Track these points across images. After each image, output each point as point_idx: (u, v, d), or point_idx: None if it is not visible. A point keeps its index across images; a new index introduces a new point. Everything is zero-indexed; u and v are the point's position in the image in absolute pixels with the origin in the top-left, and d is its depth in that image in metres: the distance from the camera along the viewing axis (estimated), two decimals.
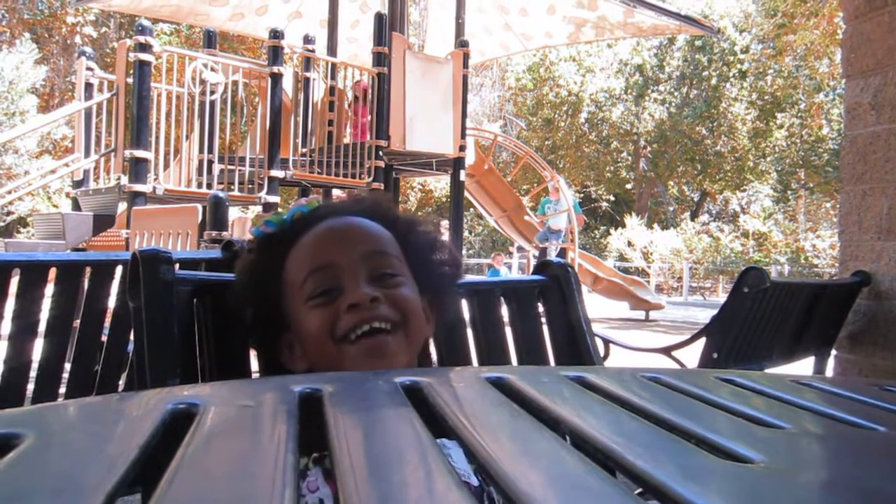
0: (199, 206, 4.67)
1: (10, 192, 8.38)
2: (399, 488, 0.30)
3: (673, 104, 26.82)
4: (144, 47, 5.91)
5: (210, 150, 6.46)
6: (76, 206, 6.72)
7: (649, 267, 21.96)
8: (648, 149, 27.79)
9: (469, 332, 1.20)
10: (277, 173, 6.66)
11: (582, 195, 27.09)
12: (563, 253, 10.48)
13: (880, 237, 3.04)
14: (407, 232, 0.93)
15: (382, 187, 7.39)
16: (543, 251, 10.55)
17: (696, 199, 30.65)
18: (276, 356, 0.88)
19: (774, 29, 22.81)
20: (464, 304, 1.18)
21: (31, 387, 1.98)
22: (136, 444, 0.33)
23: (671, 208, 30.69)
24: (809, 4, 19.84)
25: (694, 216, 28.69)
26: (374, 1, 9.80)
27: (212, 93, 6.48)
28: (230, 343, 0.94)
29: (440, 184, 23.53)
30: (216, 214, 4.40)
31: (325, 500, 0.72)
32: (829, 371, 3.22)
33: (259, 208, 6.86)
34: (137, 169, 5.93)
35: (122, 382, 2.14)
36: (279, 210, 0.94)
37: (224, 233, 4.36)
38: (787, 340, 2.99)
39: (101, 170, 6.78)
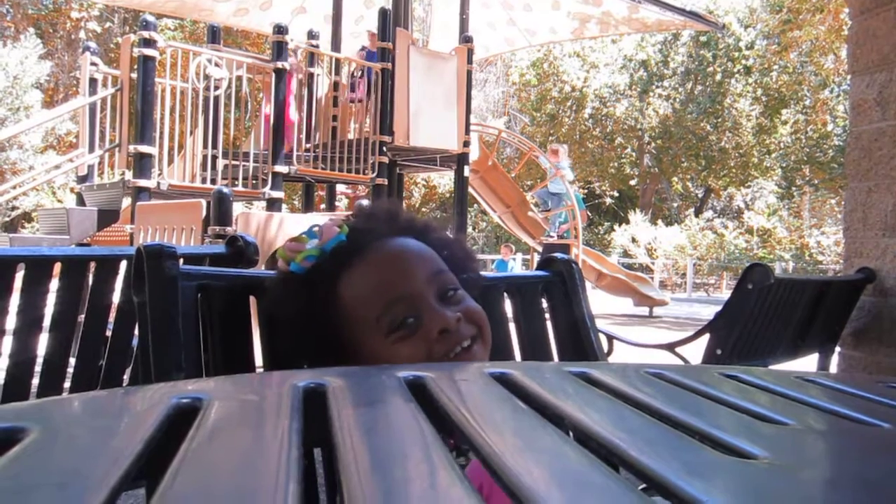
0: (204, 202, 4.68)
1: (14, 188, 8.41)
2: (402, 483, 0.30)
3: (677, 100, 26.76)
4: (148, 42, 5.92)
5: (214, 146, 6.47)
6: (80, 202, 6.74)
7: (653, 263, 21.95)
8: (652, 145, 27.74)
9: None
10: (281, 168, 6.66)
11: (586, 191, 27.05)
12: (566, 249, 10.47)
13: (885, 234, 3.03)
14: (434, 240, 0.93)
15: (386, 183, 7.40)
16: (547, 247, 10.55)
17: (700, 196, 30.60)
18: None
19: (780, 24, 22.75)
20: None
21: (35, 381, 1.98)
22: (140, 438, 0.33)
23: (675, 204, 30.65)
24: (814, 0, 19.77)
25: (698, 212, 28.65)
26: None
27: (216, 88, 6.49)
28: (234, 338, 0.94)
29: (444, 180, 23.52)
30: (220, 209, 4.41)
31: None
32: (833, 368, 3.22)
33: (263, 204, 6.87)
34: (142, 164, 5.94)
35: (126, 377, 2.14)
36: (302, 237, 0.89)
37: (228, 228, 4.37)
38: (792, 337, 2.99)
39: (106, 165, 6.80)
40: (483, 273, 1.06)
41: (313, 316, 0.86)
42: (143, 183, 5.87)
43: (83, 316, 2.05)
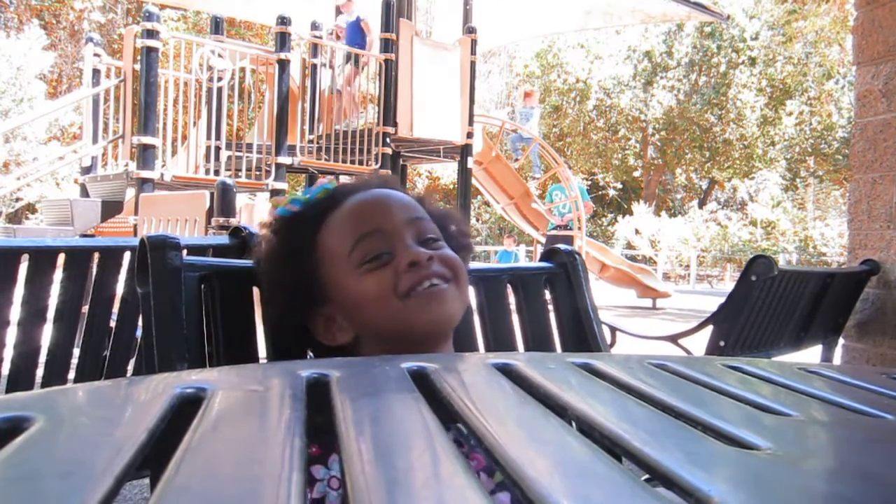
0: (207, 193, 4.68)
1: (18, 179, 8.41)
2: (406, 473, 0.30)
3: (681, 91, 26.65)
4: (152, 33, 5.91)
5: (217, 137, 6.47)
6: (84, 193, 6.75)
7: (656, 255, 21.92)
8: (656, 136, 27.65)
9: (476, 318, 1.19)
10: (285, 160, 6.66)
11: (590, 182, 26.99)
12: (570, 240, 10.46)
13: (890, 225, 3.02)
14: (423, 204, 0.95)
15: (389, 174, 7.39)
16: (550, 239, 10.54)
17: (704, 187, 30.51)
18: (307, 335, 0.88)
19: (785, 15, 22.65)
20: (471, 290, 1.18)
21: (40, 371, 1.99)
22: (144, 428, 0.33)
23: (679, 196, 30.58)
24: None
25: (702, 204, 28.58)
26: None
27: (219, 79, 6.48)
28: (238, 328, 0.95)
29: (447, 171, 23.47)
30: (224, 201, 4.41)
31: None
32: (837, 360, 3.21)
33: (266, 195, 6.87)
34: (145, 155, 5.95)
35: (130, 367, 2.15)
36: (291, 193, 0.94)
37: (231, 219, 4.38)
38: (795, 329, 2.99)
39: (109, 156, 6.80)
40: (485, 265, 1.08)
41: (293, 253, 0.89)
42: (146, 174, 5.88)
43: (87, 307, 2.06)
